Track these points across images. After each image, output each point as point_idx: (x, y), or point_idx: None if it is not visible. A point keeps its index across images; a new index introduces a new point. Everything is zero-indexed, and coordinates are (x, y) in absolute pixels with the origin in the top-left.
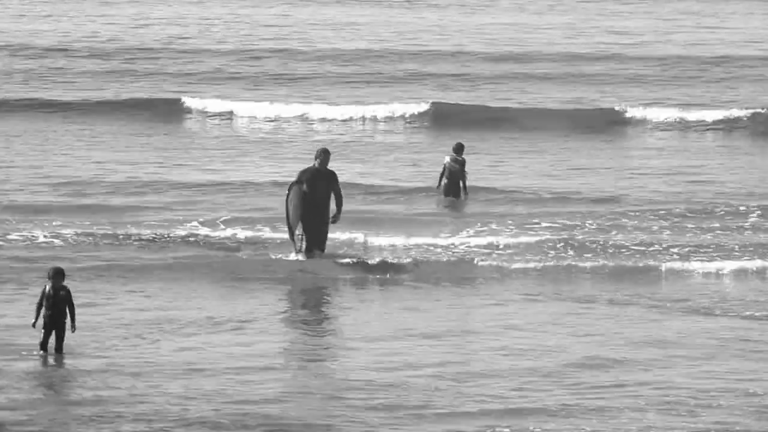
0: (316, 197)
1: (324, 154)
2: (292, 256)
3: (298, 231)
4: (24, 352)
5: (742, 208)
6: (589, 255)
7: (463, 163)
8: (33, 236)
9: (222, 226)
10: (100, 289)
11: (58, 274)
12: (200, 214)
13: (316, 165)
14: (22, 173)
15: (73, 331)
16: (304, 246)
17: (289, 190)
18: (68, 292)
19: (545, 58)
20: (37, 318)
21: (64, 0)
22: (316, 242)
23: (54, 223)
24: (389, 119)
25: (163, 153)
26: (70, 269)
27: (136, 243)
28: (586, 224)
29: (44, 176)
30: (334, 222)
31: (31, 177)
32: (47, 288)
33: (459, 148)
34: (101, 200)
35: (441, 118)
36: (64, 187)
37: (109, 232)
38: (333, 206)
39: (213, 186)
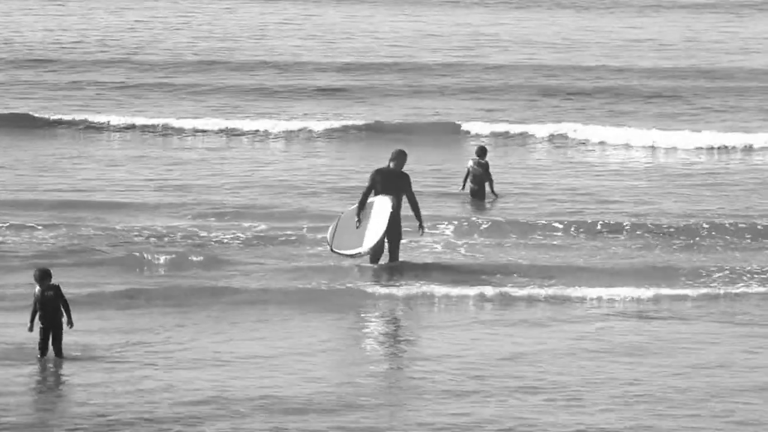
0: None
1: (399, 156)
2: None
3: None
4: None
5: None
6: None
7: (486, 165)
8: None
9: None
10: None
11: (44, 276)
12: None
13: (391, 166)
14: None
15: (70, 327)
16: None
17: (366, 193)
18: (57, 290)
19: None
20: (32, 322)
21: None
22: (392, 249)
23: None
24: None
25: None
26: None
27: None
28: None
29: None
30: (421, 233)
31: None
32: (37, 291)
33: (482, 152)
34: None
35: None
36: None
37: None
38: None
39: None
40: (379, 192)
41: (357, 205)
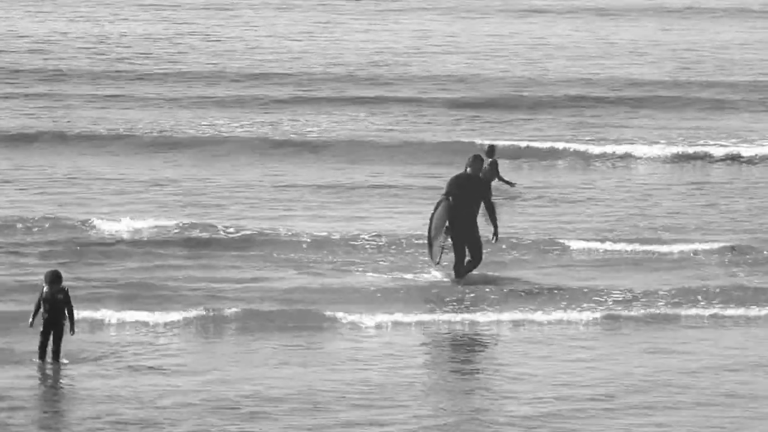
0: (465, 207)
1: (476, 161)
2: (433, 272)
3: (440, 242)
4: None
5: None
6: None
7: (495, 164)
8: None
9: None
10: None
11: (55, 279)
12: None
13: (468, 172)
14: None
15: (72, 334)
16: (440, 258)
17: (438, 204)
18: (66, 294)
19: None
20: (34, 318)
21: None
22: (465, 258)
23: None
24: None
25: None
26: None
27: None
28: None
29: None
30: (495, 241)
31: None
32: (44, 291)
33: (491, 151)
34: None
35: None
36: None
37: None
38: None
39: None
40: (457, 197)
41: (431, 213)
